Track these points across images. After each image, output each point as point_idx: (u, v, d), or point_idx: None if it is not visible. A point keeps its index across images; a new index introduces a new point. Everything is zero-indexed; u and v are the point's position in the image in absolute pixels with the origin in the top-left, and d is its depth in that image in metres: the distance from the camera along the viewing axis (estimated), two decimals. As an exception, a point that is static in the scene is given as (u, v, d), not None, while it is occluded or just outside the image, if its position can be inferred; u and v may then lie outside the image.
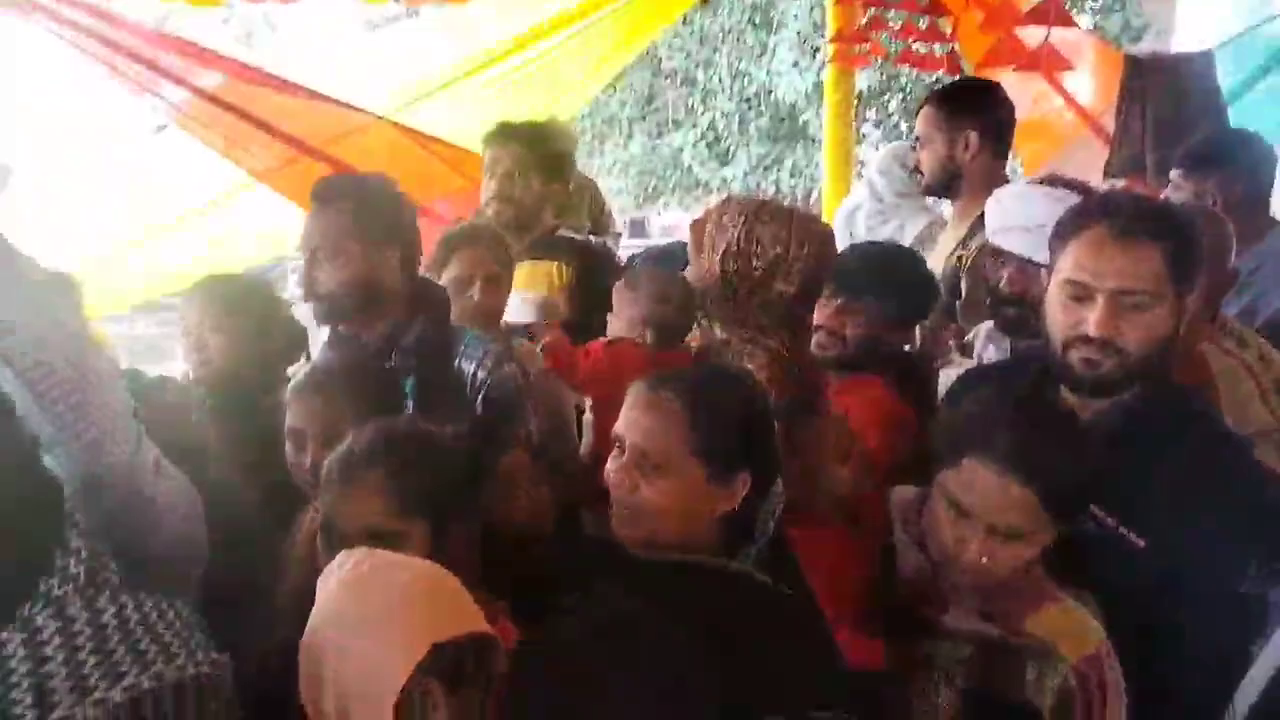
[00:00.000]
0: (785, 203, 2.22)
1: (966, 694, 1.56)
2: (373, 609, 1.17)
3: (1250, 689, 1.52)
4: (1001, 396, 1.61)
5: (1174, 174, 2.70)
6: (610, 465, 1.50)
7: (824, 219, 4.12)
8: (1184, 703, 1.56)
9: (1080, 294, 1.63)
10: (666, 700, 1.16)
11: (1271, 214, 2.78)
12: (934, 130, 2.78)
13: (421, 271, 2.26)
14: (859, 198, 4.00)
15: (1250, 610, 1.55)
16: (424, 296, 2.10)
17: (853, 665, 1.51)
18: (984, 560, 1.50)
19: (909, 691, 1.59)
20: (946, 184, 2.80)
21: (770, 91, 10.54)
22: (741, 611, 1.40)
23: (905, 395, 2.23)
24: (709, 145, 11.37)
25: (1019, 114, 2.92)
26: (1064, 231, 1.69)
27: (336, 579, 1.22)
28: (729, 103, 11.06)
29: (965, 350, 2.39)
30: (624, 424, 1.50)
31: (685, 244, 2.31)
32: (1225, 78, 4.19)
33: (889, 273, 2.29)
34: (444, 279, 2.33)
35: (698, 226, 2.23)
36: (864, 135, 10.66)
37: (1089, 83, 4.85)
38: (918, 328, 2.47)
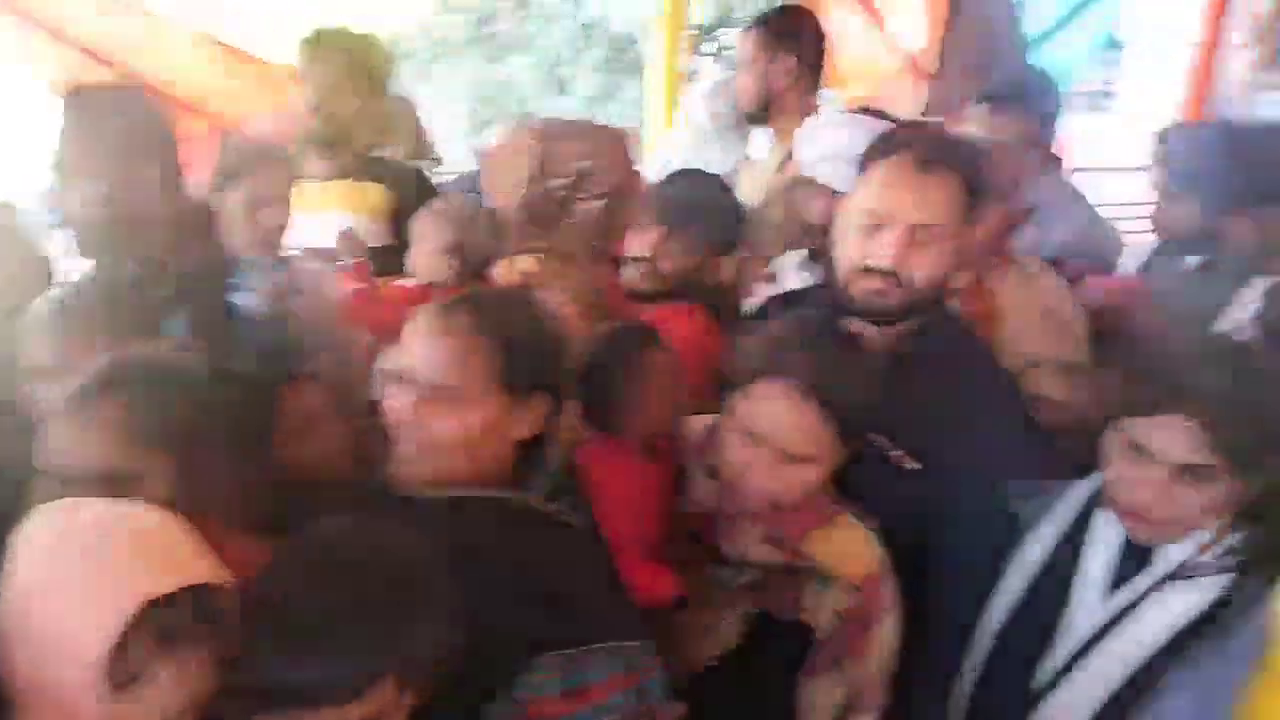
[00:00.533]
0: (573, 118, 2.20)
1: (749, 616, 1.58)
2: (70, 567, 1.04)
3: (1003, 600, 1.60)
4: (793, 322, 1.61)
5: (976, 109, 2.79)
6: (393, 402, 1.39)
7: (650, 152, 4.13)
8: (950, 616, 1.63)
9: (874, 224, 1.65)
10: (388, 628, 1.09)
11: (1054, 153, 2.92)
12: (753, 54, 2.78)
13: (208, 190, 2.11)
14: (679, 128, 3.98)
15: (1007, 527, 1.62)
16: (194, 220, 1.93)
17: (643, 594, 1.52)
18: (771, 484, 1.52)
19: (694, 618, 1.60)
20: (762, 110, 2.82)
21: (607, 20, 10.40)
22: (520, 544, 1.35)
23: (717, 325, 2.24)
24: (546, 73, 11.14)
25: (849, 54, 2.97)
26: (864, 162, 1.70)
27: (31, 535, 1.08)
28: (566, 30, 10.84)
29: (771, 280, 2.41)
30: (409, 355, 1.39)
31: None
32: (1043, 19, 4.41)
33: (703, 202, 2.27)
34: (232, 199, 2.17)
35: (490, 157, 2.17)
36: (698, 69, 10.66)
37: (914, 23, 4.98)
38: (729, 258, 2.48)
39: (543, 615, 1.28)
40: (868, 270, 1.66)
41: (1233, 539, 1.45)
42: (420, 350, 1.38)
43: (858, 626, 1.57)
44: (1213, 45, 4.60)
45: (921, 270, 1.65)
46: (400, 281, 2.24)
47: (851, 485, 1.61)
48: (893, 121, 2.23)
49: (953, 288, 2.05)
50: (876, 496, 1.62)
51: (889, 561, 1.60)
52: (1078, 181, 3.67)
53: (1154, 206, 2.84)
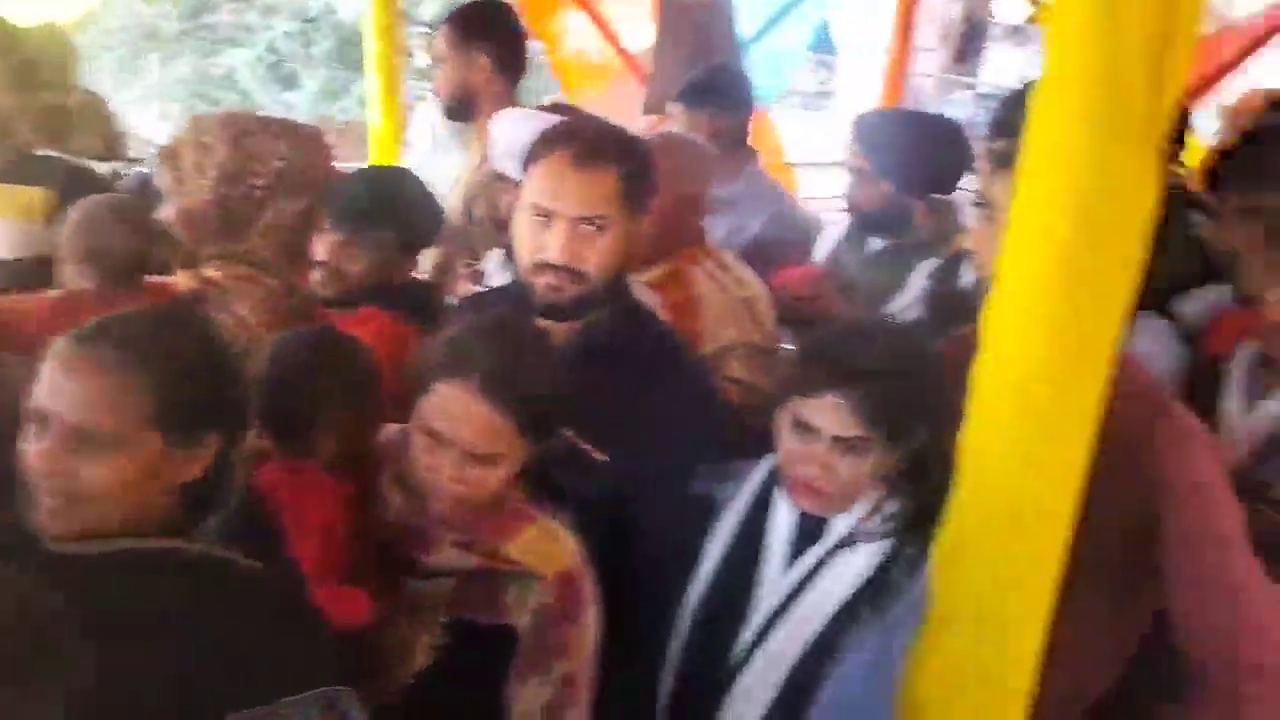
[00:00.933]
0: (258, 113, 2.10)
1: (448, 625, 1.54)
2: None
3: (701, 583, 1.64)
4: (473, 320, 1.58)
5: (673, 106, 2.88)
6: (32, 446, 1.19)
7: (378, 151, 4.00)
8: (650, 604, 1.66)
9: (541, 218, 1.66)
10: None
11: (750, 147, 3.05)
12: (449, 50, 2.75)
13: None
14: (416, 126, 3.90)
15: (700, 510, 1.67)
16: None
17: (337, 619, 1.42)
18: (457, 486, 1.48)
19: (394, 635, 1.54)
20: (462, 106, 2.79)
21: (334, 12, 10.00)
22: (186, 599, 1.22)
23: (416, 327, 2.17)
24: (270, 67, 10.55)
25: (584, 55, 2.97)
26: (530, 157, 1.71)
27: None
28: (290, 22, 10.32)
29: (478, 278, 2.38)
30: (47, 393, 1.19)
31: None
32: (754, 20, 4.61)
33: (390, 201, 2.19)
34: None
35: (171, 155, 2.00)
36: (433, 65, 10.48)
37: (636, 23, 5.09)
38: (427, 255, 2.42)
39: (217, 676, 1.16)
40: (542, 265, 1.66)
41: (889, 506, 1.55)
42: (57, 387, 1.20)
43: (559, 623, 1.56)
44: (904, 48, 4.96)
45: (592, 262, 1.67)
46: (47, 294, 2.01)
47: (543, 481, 1.60)
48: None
49: (649, 279, 2.11)
50: (569, 491, 1.62)
51: (586, 555, 1.59)
52: (795, 176, 3.87)
53: (846, 189, 3.00)
